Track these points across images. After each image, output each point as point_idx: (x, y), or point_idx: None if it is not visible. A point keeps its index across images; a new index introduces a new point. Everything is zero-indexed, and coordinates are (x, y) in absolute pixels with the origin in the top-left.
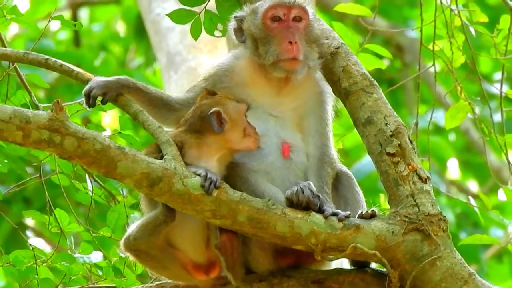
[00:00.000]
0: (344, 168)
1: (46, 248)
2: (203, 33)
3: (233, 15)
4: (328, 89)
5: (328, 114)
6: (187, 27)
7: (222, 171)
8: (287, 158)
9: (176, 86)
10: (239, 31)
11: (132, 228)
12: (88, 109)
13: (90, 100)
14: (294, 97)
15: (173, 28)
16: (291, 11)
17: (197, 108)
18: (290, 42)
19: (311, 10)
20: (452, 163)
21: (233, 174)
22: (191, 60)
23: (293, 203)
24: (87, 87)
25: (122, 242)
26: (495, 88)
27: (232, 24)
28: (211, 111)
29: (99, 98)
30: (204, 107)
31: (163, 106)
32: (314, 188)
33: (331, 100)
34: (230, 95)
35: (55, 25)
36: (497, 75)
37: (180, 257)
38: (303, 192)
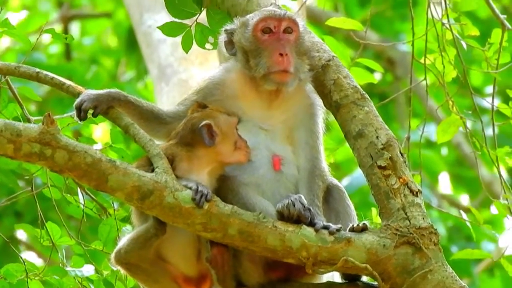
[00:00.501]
0: (335, 181)
1: (38, 261)
2: (194, 45)
3: (224, 28)
4: (318, 101)
5: (319, 127)
6: (179, 39)
7: (213, 184)
8: (278, 171)
9: (167, 98)
10: (229, 44)
11: (123, 242)
12: (79, 122)
13: (81, 113)
14: (285, 110)
15: (165, 40)
16: (281, 23)
17: (188, 121)
18: (281, 54)
19: (302, 22)
20: (443, 177)
21: (224, 187)
22: (182, 72)
23: (284, 216)
24: (78, 100)
25: (113, 255)
26: (486, 102)
27: (222, 37)
28: (202, 123)
29: (90, 111)
30: (195, 120)
31: (154, 119)
32: (305, 201)
33: (321, 112)
34: (221, 108)
35: (46, 38)
36: (489, 89)
37: (171, 270)
38: (294, 205)
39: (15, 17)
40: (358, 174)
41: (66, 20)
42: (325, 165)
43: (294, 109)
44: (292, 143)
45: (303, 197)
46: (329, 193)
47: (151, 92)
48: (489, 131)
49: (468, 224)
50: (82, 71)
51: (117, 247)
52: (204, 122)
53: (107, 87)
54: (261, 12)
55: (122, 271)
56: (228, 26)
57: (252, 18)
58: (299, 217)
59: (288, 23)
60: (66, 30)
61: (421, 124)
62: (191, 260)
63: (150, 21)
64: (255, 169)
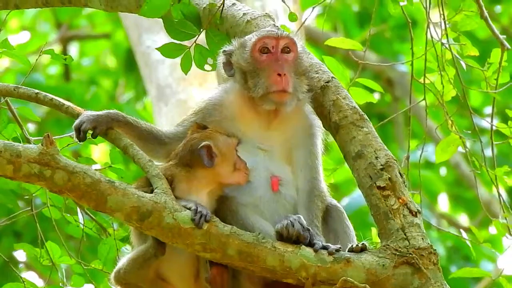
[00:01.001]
0: (334, 202)
1: (38, 281)
2: (193, 66)
3: (222, 49)
4: (317, 122)
5: (318, 148)
6: (177, 60)
7: (213, 205)
8: (276, 191)
9: (166, 119)
10: (227, 65)
11: (122, 262)
12: (78, 143)
13: (81, 134)
14: (283, 131)
15: (163, 60)
16: (279, 42)
17: (187, 142)
18: (279, 75)
19: (300, 42)
20: (442, 197)
21: (223, 207)
22: (181, 92)
23: (283, 236)
24: (77, 121)
25: (112, 275)
26: (486, 122)
27: (221, 58)
28: (201, 145)
29: (90, 132)
30: (194, 141)
31: (153, 140)
32: (304, 222)
33: (320, 133)
34: (220, 129)
35: (45, 59)
36: (488, 109)
37: None
38: (293, 226)
39: (15, 38)
40: (357, 194)
41: (65, 41)
42: (324, 185)
43: (293, 129)
44: (291, 164)
45: (302, 217)
46: (328, 213)
47: (150, 113)
48: (488, 152)
49: (468, 243)
50: (81, 92)
51: (117, 267)
52: (203, 143)
53: (106, 108)
54: (259, 32)
55: None
56: (227, 47)
57: (250, 38)
58: (298, 237)
59: (286, 43)
60: (65, 51)
61: (420, 144)
62: (190, 280)
63: (149, 41)
64: (254, 190)
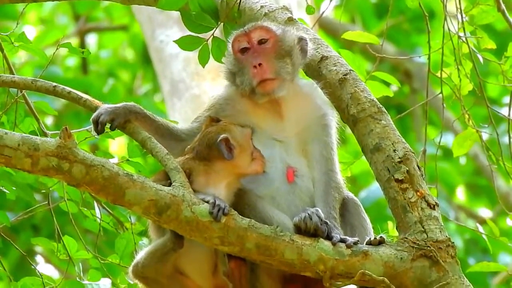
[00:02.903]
0: (351, 195)
1: (55, 274)
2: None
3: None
4: (331, 112)
5: (332, 138)
6: (191, 54)
7: (231, 198)
8: (292, 182)
9: (180, 114)
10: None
11: (140, 255)
12: (96, 136)
13: (99, 126)
14: (296, 120)
15: (177, 55)
16: (251, 36)
17: (204, 136)
18: (255, 66)
19: (276, 26)
20: (460, 189)
21: (241, 201)
22: (195, 87)
23: (301, 229)
24: (95, 114)
25: (130, 269)
26: (503, 113)
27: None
28: (219, 138)
29: (108, 125)
30: (211, 134)
31: (169, 136)
32: (322, 215)
33: (334, 123)
34: (233, 121)
35: (63, 51)
36: (506, 99)
37: (188, 284)
38: (311, 219)
39: (32, 31)
40: (374, 187)
41: (83, 33)
42: (340, 177)
43: (305, 119)
44: (306, 156)
45: (320, 210)
46: (345, 207)
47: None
48: (505, 139)
49: (484, 237)
50: (99, 85)
51: (135, 261)
52: (221, 137)
53: (124, 100)
54: (233, 33)
55: (140, 285)
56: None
57: (229, 42)
58: (316, 230)
59: (259, 34)
60: (83, 43)
61: (437, 135)
62: (208, 273)
63: (162, 36)
64: (270, 181)
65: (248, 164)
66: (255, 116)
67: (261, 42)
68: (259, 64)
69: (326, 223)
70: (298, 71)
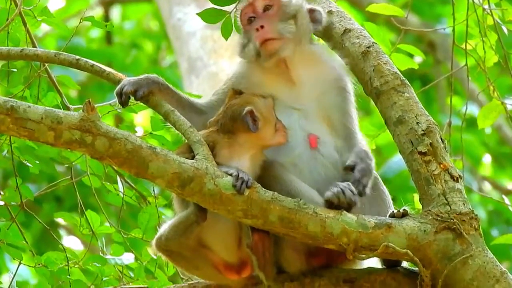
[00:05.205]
0: None
1: (79, 246)
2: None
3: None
4: (346, 76)
5: (351, 104)
6: (208, 32)
7: (256, 170)
8: (315, 149)
9: (197, 91)
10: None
11: (163, 228)
12: (121, 108)
13: (123, 97)
14: (310, 86)
15: (194, 33)
16: (255, 5)
17: (228, 108)
18: (257, 29)
19: None
20: (485, 160)
21: (267, 174)
22: (212, 65)
23: (334, 204)
24: (118, 87)
25: (153, 242)
26: None
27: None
28: (245, 111)
29: (131, 98)
30: (235, 107)
31: (190, 108)
32: (353, 188)
33: (351, 86)
34: (255, 92)
35: (87, 22)
36: None
37: (211, 257)
38: (344, 193)
39: (56, 2)
40: (398, 158)
41: (107, 4)
42: (363, 141)
43: (321, 84)
44: (328, 124)
45: (351, 184)
46: None
47: None
48: None
49: (510, 208)
50: (122, 56)
51: (158, 234)
52: (246, 109)
53: (147, 72)
54: (239, 7)
55: (163, 258)
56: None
57: (237, 17)
58: (349, 205)
59: (263, 2)
60: (106, 14)
61: (462, 108)
62: (232, 246)
63: (180, 14)
64: (291, 149)
65: (271, 135)
66: (270, 87)
67: (266, 9)
68: (261, 27)
69: (361, 193)
70: (307, 35)
